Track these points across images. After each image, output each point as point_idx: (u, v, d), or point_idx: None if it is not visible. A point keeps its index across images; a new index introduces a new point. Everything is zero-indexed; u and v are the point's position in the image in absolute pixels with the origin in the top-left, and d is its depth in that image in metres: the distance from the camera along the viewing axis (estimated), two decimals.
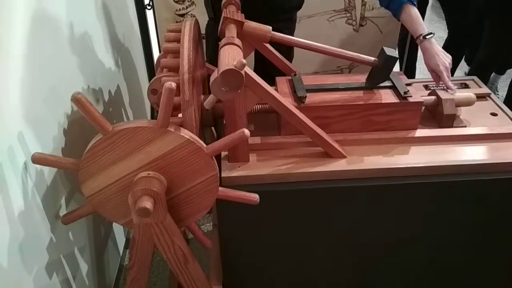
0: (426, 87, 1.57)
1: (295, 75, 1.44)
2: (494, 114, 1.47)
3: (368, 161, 1.28)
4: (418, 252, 1.43)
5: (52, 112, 1.22)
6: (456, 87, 1.47)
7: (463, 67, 3.10)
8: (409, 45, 2.71)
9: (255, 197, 1.15)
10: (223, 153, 1.29)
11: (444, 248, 1.42)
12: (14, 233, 1.00)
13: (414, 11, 1.39)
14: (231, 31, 1.24)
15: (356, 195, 1.29)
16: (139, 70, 2.30)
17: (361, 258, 1.44)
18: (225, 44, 1.15)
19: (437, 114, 1.39)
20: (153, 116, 2.43)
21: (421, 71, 3.33)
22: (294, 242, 1.38)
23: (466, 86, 1.60)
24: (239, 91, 1.09)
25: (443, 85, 1.41)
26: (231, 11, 1.30)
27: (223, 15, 1.29)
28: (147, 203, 1.02)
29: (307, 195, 1.27)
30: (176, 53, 1.27)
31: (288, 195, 1.26)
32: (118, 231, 1.84)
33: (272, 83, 1.40)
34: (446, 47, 2.82)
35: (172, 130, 1.04)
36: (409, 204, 1.31)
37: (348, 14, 2.48)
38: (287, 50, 1.67)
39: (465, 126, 1.39)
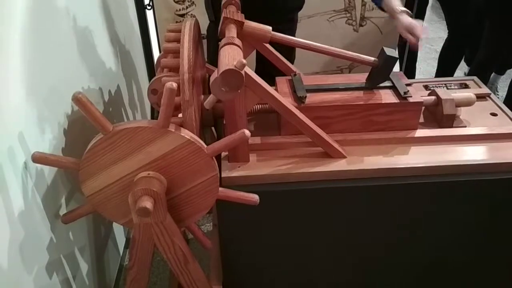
0: (426, 87, 1.57)
1: (295, 75, 1.44)
2: (494, 114, 1.47)
3: (368, 161, 1.28)
4: (418, 252, 1.43)
5: (52, 112, 1.22)
6: (455, 87, 1.47)
7: (463, 67, 3.10)
8: (409, 45, 2.70)
9: (254, 197, 1.15)
10: (223, 153, 1.29)
11: (444, 248, 1.42)
12: (14, 233, 1.00)
13: None
14: (231, 31, 1.24)
15: (356, 195, 1.29)
16: (139, 70, 2.30)
17: (361, 258, 1.44)
18: (225, 44, 1.15)
19: (437, 114, 1.39)
20: (153, 116, 2.43)
21: (421, 71, 3.33)
22: (294, 242, 1.38)
23: (466, 86, 1.60)
24: (239, 91, 1.09)
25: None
26: (231, 11, 1.30)
27: (223, 15, 1.29)
28: (147, 203, 1.02)
29: (307, 195, 1.27)
30: (176, 53, 1.27)
31: (288, 195, 1.26)
32: (118, 231, 1.84)
33: (273, 83, 1.40)
34: (446, 47, 2.83)
35: (173, 130, 1.04)
36: (409, 204, 1.31)
37: (348, 14, 2.48)
38: (289, 51, 1.67)
39: (465, 126, 1.39)
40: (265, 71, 1.45)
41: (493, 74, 2.97)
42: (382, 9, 1.50)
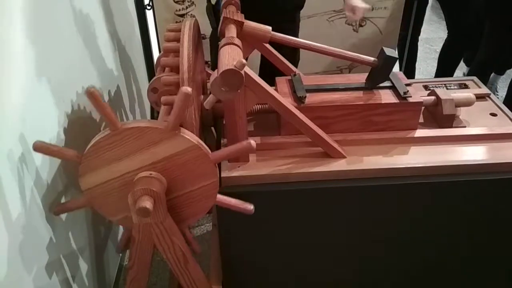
0: (426, 87, 1.57)
1: (295, 75, 1.44)
2: (493, 115, 1.47)
3: (368, 161, 1.28)
4: (418, 252, 1.43)
5: (52, 111, 1.22)
6: (455, 87, 1.47)
7: (462, 67, 3.09)
8: (409, 45, 2.71)
9: (249, 207, 1.16)
10: None
11: (444, 248, 1.43)
12: (14, 233, 1.00)
13: None
14: (231, 31, 1.24)
15: (356, 195, 1.29)
16: (139, 70, 2.30)
17: (361, 258, 1.44)
18: (225, 44, 1.15)
19: (437, 114, 1.39)
20: (153, 116, 2.43)
21: (421, 71, 3.33)
22: (294, 242, 1.38)
23: (465, 86, 1.61)
24: (239, 91, 1.10)
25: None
26: (231, 11, 1.31)
27: (222, 15, 1.29)
28: (147, 203, 1.02)
29: (307, 195, 1.27)
30: (176, 52, 1.27)
31: (288, 195, 1.26)
32: (118, 231, 1.84)
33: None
34: (446, 47, 2.83)
35: (181, 133, 1.05)
36: (409, 204, 1.31)
37: None
38: (292, 52, 1.66)
39: (465, 127, 1.39)
40: (270, 72, 1.45)
41: (492, 74, 2.97)
42: None
